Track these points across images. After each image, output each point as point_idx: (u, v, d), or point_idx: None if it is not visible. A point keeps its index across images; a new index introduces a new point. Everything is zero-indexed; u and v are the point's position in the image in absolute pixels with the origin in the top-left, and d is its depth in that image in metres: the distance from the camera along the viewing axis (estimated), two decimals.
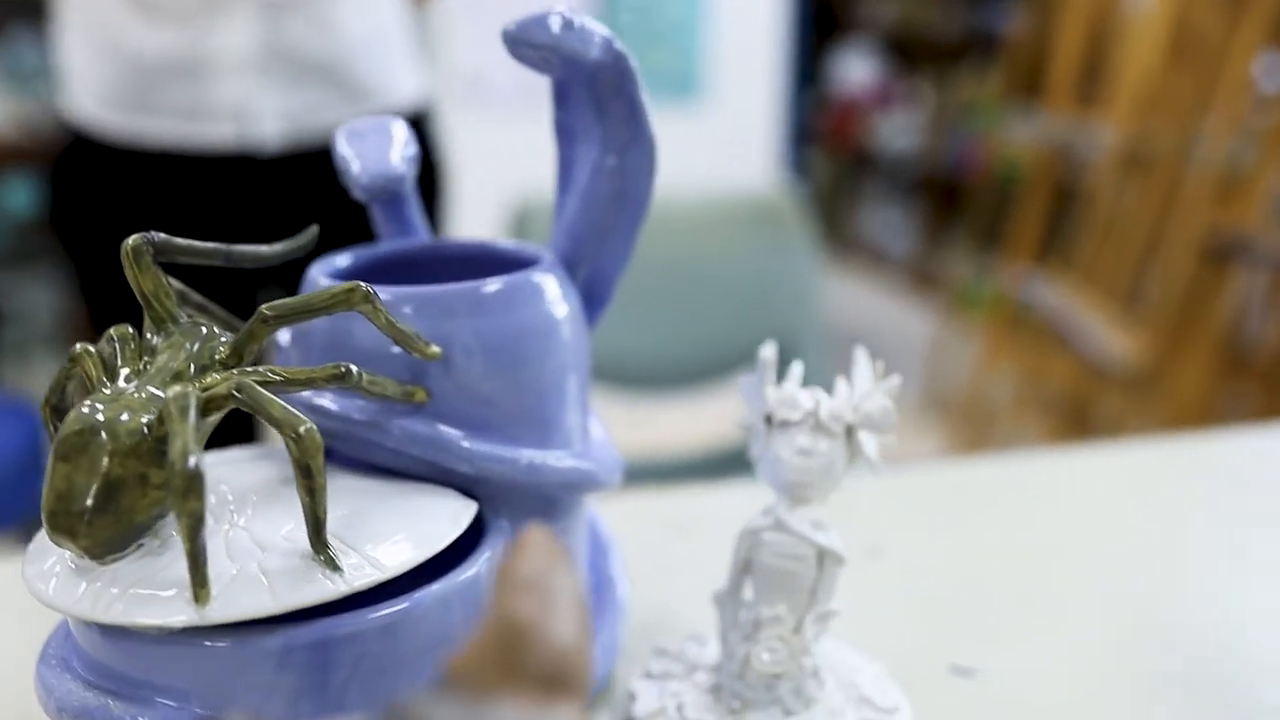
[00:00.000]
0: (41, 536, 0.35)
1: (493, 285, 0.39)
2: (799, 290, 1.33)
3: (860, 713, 0.41)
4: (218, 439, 0.40)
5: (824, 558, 0.40)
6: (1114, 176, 2.12)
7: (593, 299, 0.45)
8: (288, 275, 0.39)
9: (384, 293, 0.38)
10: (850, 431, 0.41)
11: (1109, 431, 2.01)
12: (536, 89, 2.37)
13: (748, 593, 0.41)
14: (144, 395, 0.33)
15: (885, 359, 0.43)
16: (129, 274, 0.36)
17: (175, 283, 0.38)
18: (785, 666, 0.40)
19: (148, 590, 0.32)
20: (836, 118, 4.26)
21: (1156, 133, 2.00)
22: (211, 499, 0.36)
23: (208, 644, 0.32)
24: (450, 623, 0.35)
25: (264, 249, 0.39)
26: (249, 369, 0.34)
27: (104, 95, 0.94)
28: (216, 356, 0.35)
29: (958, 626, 0.51)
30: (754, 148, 2.68)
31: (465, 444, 0.38)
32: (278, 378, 0.34)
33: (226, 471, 0.39)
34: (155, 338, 0.36)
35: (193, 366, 0.35)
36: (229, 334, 0.36)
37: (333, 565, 0.33)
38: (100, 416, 0.33)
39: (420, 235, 0.47)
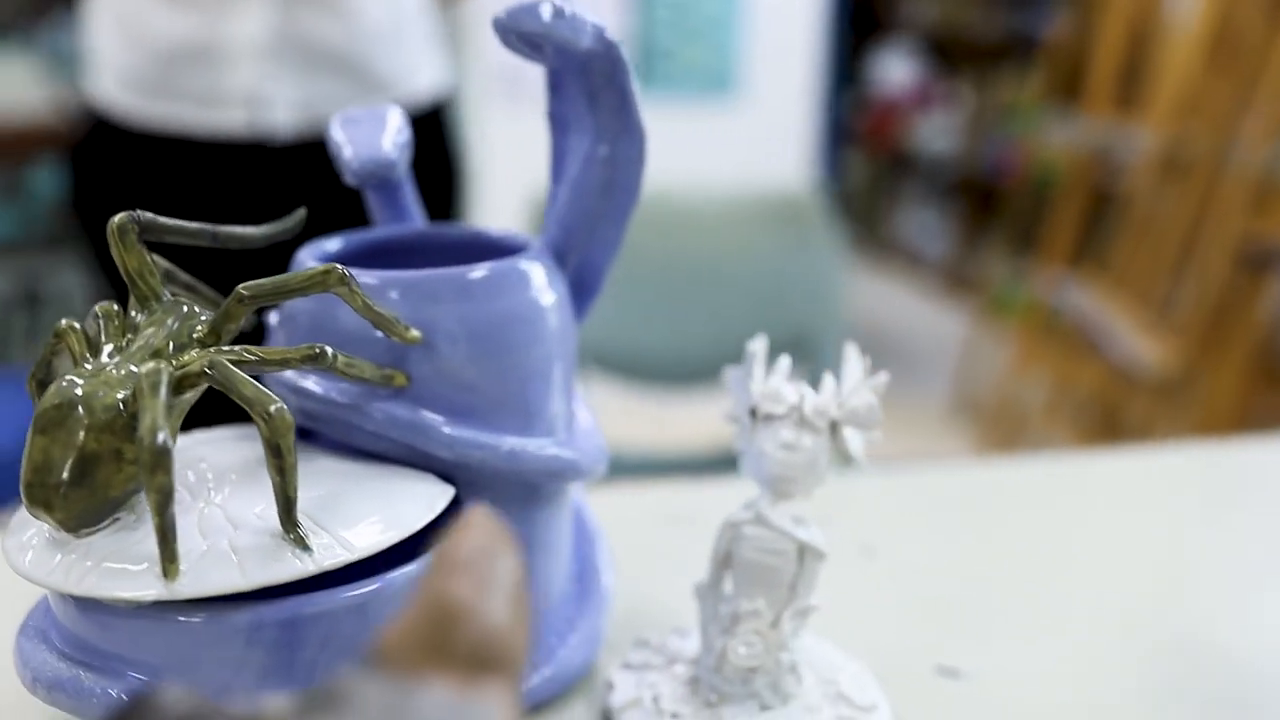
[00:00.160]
0: (23, 510, 0.36)
1: (478, 271, 0.39)
2: (822, 289, 1.33)
3: (837, 709, 0.41)
4: (224, 417, 0.40)
5: (804, 553, 0.40)
6: (1151, 181, 2.09)
7: (583, 288, 0.45)
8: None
9: (370, 276, 0.39)
10: (835, 427, 0.40)
11: (1140, 438, 1.98)
12: None
13: (729, 586, 0.41)
14: (123, 372, 0.34)
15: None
16: (114, 252, 0.36)
17: (162, 261, 0.38)
18: (761, 661, 0.40)
19: (119, 564, 0.33)
20: (875, 118, 4.24)
21: (1194, 137, 1.98)
22: (191, 476, 0.37)
23: (177, 619, 0.33)
24: None
25: (250, 230, 0.39)
26: (226, 348, 0.35)
27: (125, 79, 0.95)
28: (195, 335, 0.35)
29: (948, 627, 0.50)
30: (789, 146, 2.67)
31: (446, 429, 0.38)
32: (253, 357, 0.34)
33: (209, 450, 0.39)
34: (139, 315, 0.36)
35: (172, 344, 0.35)
36: (209, 313, 0.36)
37: (303, 544, 0.33)
38: (78, 391, 0.33)
39: (415, 222, 0.47)
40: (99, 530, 0.34)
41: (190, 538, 0.33)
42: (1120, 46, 2.26)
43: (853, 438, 0.41)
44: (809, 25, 2.61)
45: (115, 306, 0.37)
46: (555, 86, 0.43)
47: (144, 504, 0.35)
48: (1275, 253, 1.80)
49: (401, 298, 0.38)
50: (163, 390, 0.31)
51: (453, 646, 0.21)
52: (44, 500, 0.33)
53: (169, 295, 0.37)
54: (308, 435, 0.41)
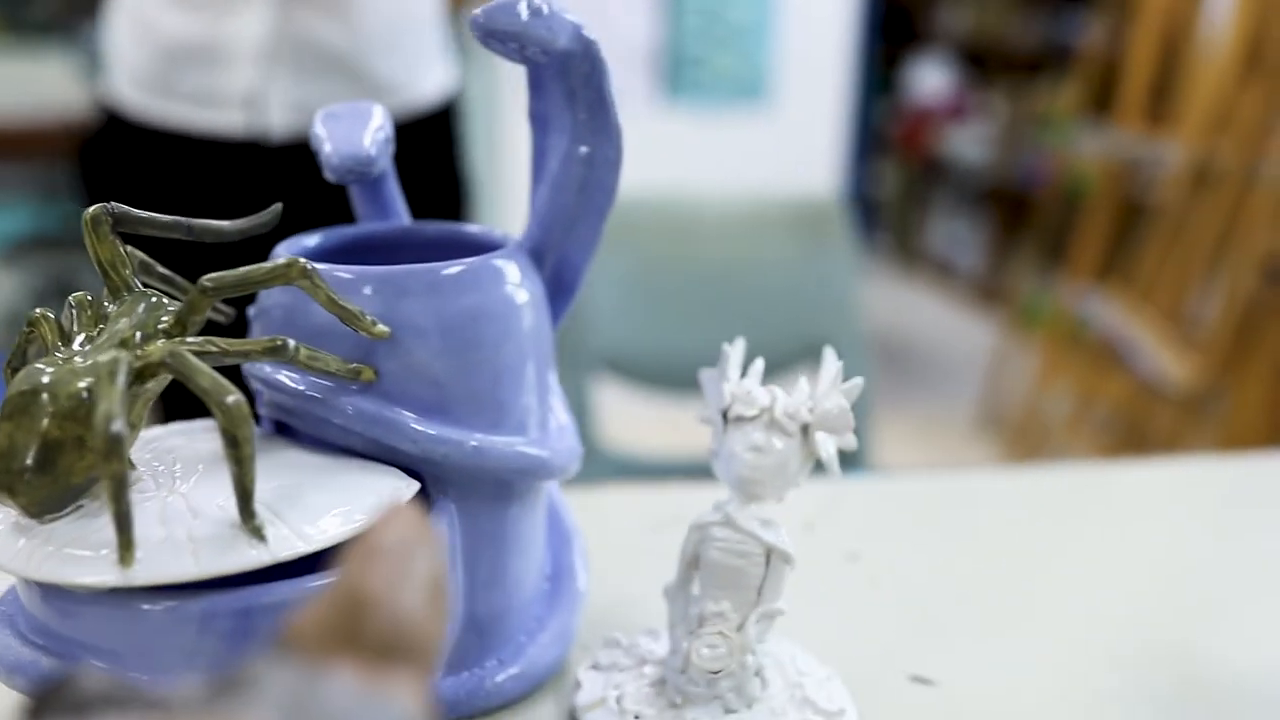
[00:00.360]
0: None
1: (451, 268, 0.40)
2: (840, 297, 1.32)
3: (802, 714, 0.41)
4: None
5: (772, 556, 0.40)
6: (1180, 194, 2.07)
7: (561, 287, 0.45)
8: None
9: (344, 271, 0.39)
10: (807, 431, 0.40)
11: (1164, 453, 1.96)
12: None
13: (697, 588, 0.41)
14: (89, 361, 0.34)
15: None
16: (87, 243, 0.37)
17: (138, 253, 0.39)
18: (724, 663, 0.39)
19: (78, 550, 0.33)
20: (909, 127, 4.22)
21: (1224, 151, 1.96)
22: (160, 466, 0.37)
23: (134, 606, 0.33)
24: None
25: (225, 225, 0.39)
26: (191, 339, 0.35)
27: (135, 77, 0.96)
28: (161, 326, 0.36)
29: (927, 635, 0.50)
30: (819, 154, 2.66)
31: (412, 424, 0.38)
32: (215, 349, 0.34)
33: (182, 440, 0.40)
34: (111, 305, 0.37)
35: (139, 334, 0.35)
36: (177, 304, 0.36)
37: (258, 535, 0.33)
38: (45, 379, 0.33)
39: (398, 218, 0.47)
40: (62, 516, 0.34)
41: (150, 526, 0.33)
42: (1153, 59, 2.24)
43: (824, 442, 0.40)
44: (840, 33, 2.60)
45: (89, 297, 0.37)
46: (535, 86, 0.43)
47: None
48: None
49: (374, 293, 0.39)
50: (120, 379, 0.31)
51: (362, 635, 0.21)
52: (8, 486, 0.33)
53: (139, 286, 0.37)
54: (282, 429, 0.42)
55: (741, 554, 0.40)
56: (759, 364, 0.42)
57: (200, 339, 0.35)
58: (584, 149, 0.42)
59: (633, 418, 1.35)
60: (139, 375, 0.34)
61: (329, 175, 0.43)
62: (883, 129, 4.33)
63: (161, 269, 0.40)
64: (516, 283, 0.41)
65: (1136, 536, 0.61)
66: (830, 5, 2.56)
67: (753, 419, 0.40)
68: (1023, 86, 3.70)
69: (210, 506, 0.34)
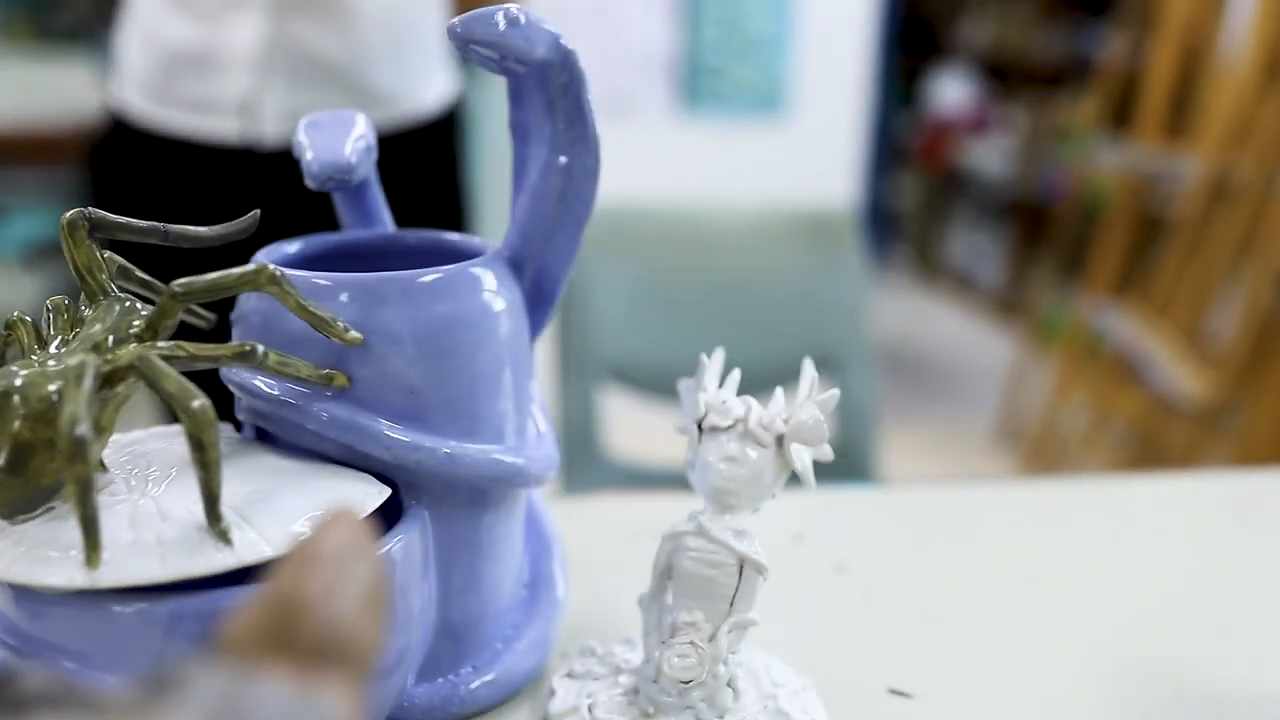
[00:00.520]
0: None
1: (428, 276, 0.40)
2: (850, 310, 1.32)
3: None
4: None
5: (745, 567, 0.40)
6: (1198, 208, 2.06)
7: (541, 296, 0.45)
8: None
9: (321, 278, 0.39)
10: (782, 442, 0.40)
11: (1179, 468, 1.95)
12: (616, 92, 2.38)
13: (671, 598, 0.41)
14: (61, 365, 0.35)
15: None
16: (64, 247, 0.37)
17: (117, 258, 0.39)
18: (695, 673, 0.39)
19: (48, 551, 0.33)
20: (930, 139, 4.21)
21: (1243, 164, 1.94)
22: (134, 470, 0.37)
23: (102, 607, 0.33)
24: None
25: (203, 230, 0.40)
26: (162, 344, 0.35)
27: (138, 83, 0.97)
28: (133, 330, 0.36)
29: (908, 649, 0.50)
30: (838, 166, 2.66)
31: (386, 431, 0.39)
32: (184, 353, 0.35)
33: (160, 444, 0.40)
34: (87, 310, 0.37)
35: (111, 338, 0.36)
36: (150, 309, 0.37)
37: (225, 539, 0.33)
38: (18, 381, 0.34)
39: (382, 226, 0.48)
40: (33, 518, 0.35)
41: (119, 529, 0.34)
42: (1173, 73, 2.22)
43: (799, 453, 0.40)
44: (859, 45, 2.60)
45: (66, 301, 0.38)
46: (515, 96, 0.43)
47: None
48: None
49: (350, 299, 0.39)
50: (87, 383, 0.32)
51: (296, 639, 0.21)
52: None
53: (115, 291, 0.37)
54: (260, 434, 0.42)
55: (714, 564, 0.40)
56: (736, 374, 0.42)
57: (170, 344, 0.35)
58: (563, 159, 0.42)
59: (643, 427, 1.35)
60: (108, 379, 0.34)
61: (309, 182, 0.43)
62: (904, 141, 4.32)
63: (140, 274, 0.41)
64: (493, 290, 0.41)
65: (1137, 551, 0.61)
66: (849, 17, 2.56)
67: (727, 429, 0.40)
68: (1044, 99, 3.69)
69: (180, 510, 0.35)
